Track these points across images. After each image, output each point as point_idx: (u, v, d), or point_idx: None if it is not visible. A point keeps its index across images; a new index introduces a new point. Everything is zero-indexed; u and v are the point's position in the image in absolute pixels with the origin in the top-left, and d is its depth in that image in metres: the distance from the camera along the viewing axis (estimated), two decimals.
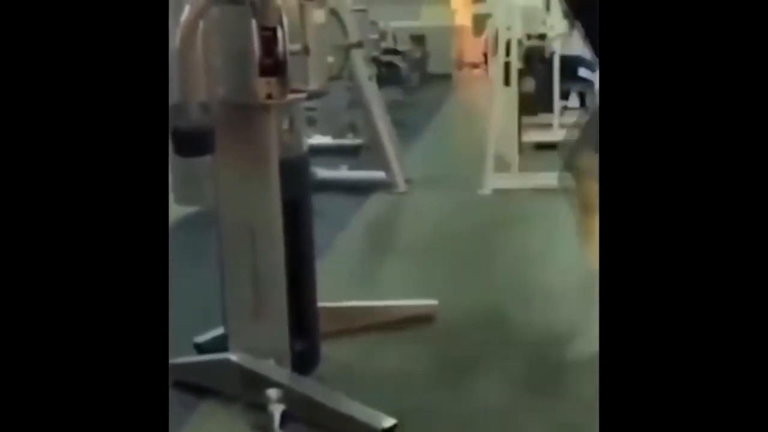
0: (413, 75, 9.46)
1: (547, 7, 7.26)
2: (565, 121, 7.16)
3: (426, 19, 14.56)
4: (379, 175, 5.42)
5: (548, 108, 6.79)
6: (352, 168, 5.94)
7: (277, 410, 2.16)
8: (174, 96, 2.01)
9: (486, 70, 12.33)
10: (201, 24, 2.12)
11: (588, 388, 1.73)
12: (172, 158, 1.86)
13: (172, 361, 2.16)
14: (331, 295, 2.76)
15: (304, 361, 2.40)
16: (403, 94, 8.87)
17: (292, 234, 2.34)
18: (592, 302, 1.38)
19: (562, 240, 3.82)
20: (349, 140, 6.92)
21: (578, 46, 7.81)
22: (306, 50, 2.25)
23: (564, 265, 3.19)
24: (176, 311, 1.51)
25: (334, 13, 2.63)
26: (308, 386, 2.30)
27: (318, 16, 2.37)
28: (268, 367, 2.30)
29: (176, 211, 3.86)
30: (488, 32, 8.20)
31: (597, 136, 2.26)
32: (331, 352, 2.57)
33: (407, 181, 5.41)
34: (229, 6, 2.16)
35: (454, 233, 3.30)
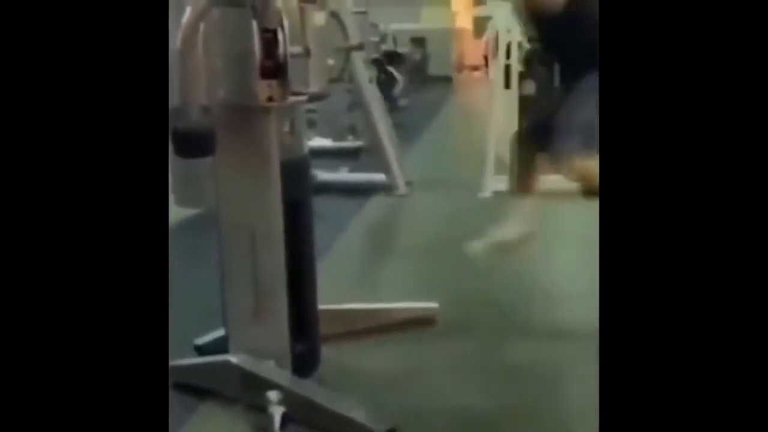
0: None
1: None
2: None
3: (426, 22, 14.58)
4: (379, 177, 5.42)
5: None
6: (352, 170, 5.95)
7: (277, 412, 2.16)
8: (174, 98, 2.01)
9: (486, 72, 12.34)
10: (202, 26, 2.12)
11: (588, 389, 1.73)
12: (173, 160, 1.86)
13: (172, 362, 2.17)
14: (332, 298, 2.76)
15: (304, 363, 2.40)
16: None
17: (293, 236, 2.34)
18: (593, 304, 1.38)
19: (563, 242, 3.83)
20: (349, 142, 6.93)
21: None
22: (306, 52, 2.25)
23: (565, 267, 3.20)
24: (176, 313, 1.51)
25: (334, 15, 2.63)
26: (308, 388, 2.30)
27: (318, 18, 2.37)
28: (268, 369, 2.30)
29: (177, 212, 3.86)
30: (489, 35, 8.19)
31: (590, 130, 2.35)
32: (331, 354, 2.57)
33: (407, 183, 5.41)
34: (230, 8, 2.16)
35: (454, 236, 3.30)
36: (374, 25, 8.71)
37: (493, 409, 2.36)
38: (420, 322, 2.94)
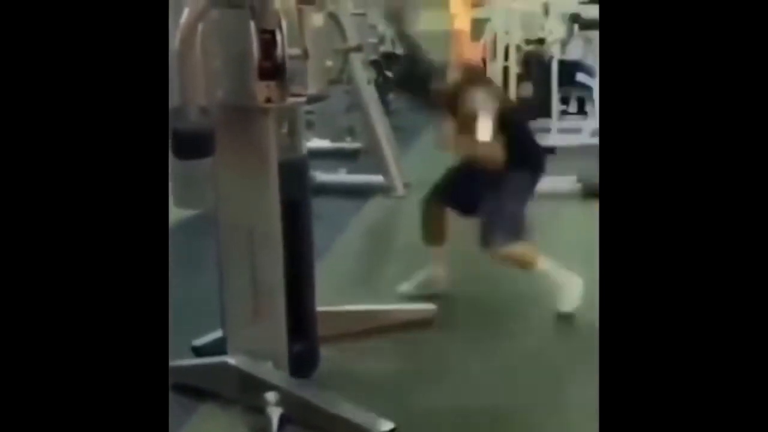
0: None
1: (546, 13, 7.28)
2: (564, 125, 7.19)
3: (424, 23, 14.58)
4: (377, 178, 5.42)
5: (546, 113, 6.81)
6: (350, 171, 5.94)
7: (275, 413, 2.16)
8: (173, 99, 2.01)
9: None
10: (200, 27, 2.12)
11: (588, 390, 1.73)
12: (172, 161, 1.86)
13: (171, 363, 2.16)
14: (330, 299, 2.76)
15: (302, 364, 2.40)
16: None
17: (291, 237, 2.34)
18: (593, 304, 1.38)
19: (561, 242, 3.83)
20: (347, 144, 6.93)
21: (577, 52, 7.86)
22: (305, 54, 2.25)
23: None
24: (175, 314, 1.51)
25: (332, 16, 2.63)
26: (306, 389, 2.29)
27: (317, 19, 2.37)
28: (266, 370, 2.30)
29: (176, 213, 3.86)
30: (487, 37, 8.20)
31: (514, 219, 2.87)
32: (329, 355, 2.56)
33: (406, 185, 5.40)
34: (229, 9, 2.16)
35: (453, 237, 3.30)
36: (372, 27, 8.70)
37: (492, 408, 2.36)
38: (418, 324, 2.94)
